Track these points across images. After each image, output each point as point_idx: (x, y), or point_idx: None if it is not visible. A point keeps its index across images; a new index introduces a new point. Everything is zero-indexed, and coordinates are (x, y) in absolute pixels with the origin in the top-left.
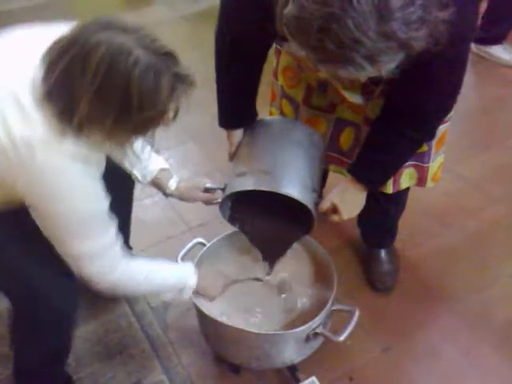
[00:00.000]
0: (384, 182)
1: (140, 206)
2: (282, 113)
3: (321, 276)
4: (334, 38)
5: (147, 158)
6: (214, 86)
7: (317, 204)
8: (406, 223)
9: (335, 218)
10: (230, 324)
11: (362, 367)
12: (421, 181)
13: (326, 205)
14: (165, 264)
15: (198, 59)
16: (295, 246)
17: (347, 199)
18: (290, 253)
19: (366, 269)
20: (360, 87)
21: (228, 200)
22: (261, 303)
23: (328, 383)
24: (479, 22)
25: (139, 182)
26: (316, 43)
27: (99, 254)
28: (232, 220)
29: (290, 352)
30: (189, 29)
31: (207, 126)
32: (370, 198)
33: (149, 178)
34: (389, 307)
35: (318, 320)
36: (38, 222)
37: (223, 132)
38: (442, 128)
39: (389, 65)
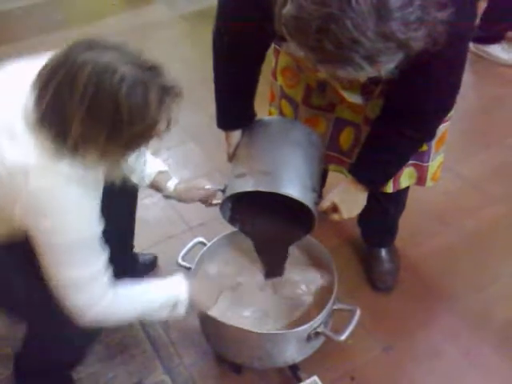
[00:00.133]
0: (385, 182)
1: (140, 205)
2: (281, 113)
3: (321, 275)
4: (332, 38)
5: (144, 163)
6: (213, 85)
7: (317, 203)
8: (406, 222)
9: (335, 216)
10: (231, 324)
11: (363, 366)
12: (420, 180)
13: (326, 204)
14: (152, 284)
15: (197, 58)
16: (295, 245)
17: (348, 199)
18: (290, 252)
19: (366, 268)
20: (359, 87)
21: (228, 201)
22: (260, 303)
23: (329, 382)
24: (478, 21)
25: (139, 185)
26: (315, 43)
27: (87, 282)
28: (232, 221)
29: (292, 351)
30: (188, 28)
31: (207, 126)
32: (370, 198)
33: (147, 182)
34: (389, 306)
35: (319, 319)
36: (36, 250)
37: (223, 132)
38: (442, 127)
39: (388, 65)
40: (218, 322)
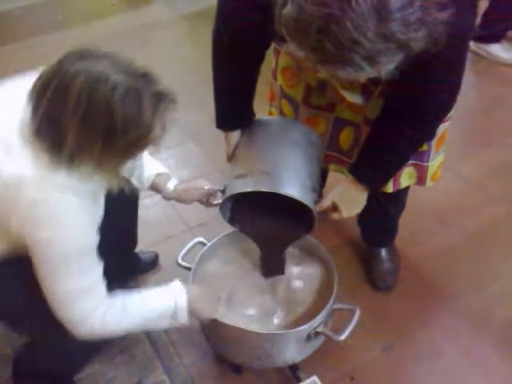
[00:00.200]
0: (385, 182)
1: (141, 205)
2: (281, 113)
3: (321, 275)
4: (332, 38)
5: (141, 166)
6: (212, 82)
7: (317, 203)
8: (407, 222)
9: (335, 216)
10: (231, 324)
11: (363, 366)
12: (420, 180)
13: (326, 203)
14: (148, 293)
15: (197, 58)
16: (295, 245)
17: (348, 199)
18: (290, 252)
19: (366, 268)
20: (360, 87)
21: (228, 201)
22: (260, 303)
23: (329, 382)
24: (479, 19)
25: (139, 188)
26: (315, 44)
27: (82, 295)
28: (232, 221)
29: (292, 351)
30: (188, 28)
31: (207, 126)
32: (370, 198)
33: (147, 184)
34: (389, 306)
35: (318, 319)
36: (33, 262)
37: (222, 132)
38: (442, 127)
39: (388, 66)
40: (218, 322)
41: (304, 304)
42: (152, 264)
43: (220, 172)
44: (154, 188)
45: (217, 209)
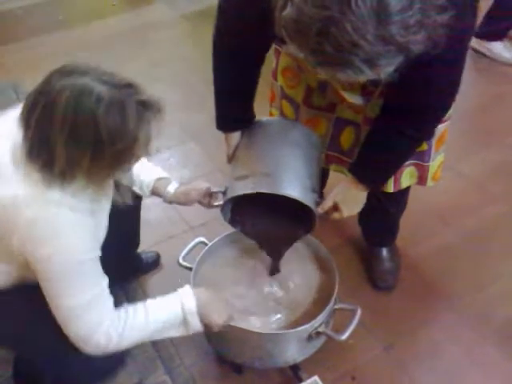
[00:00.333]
0: (385, 181)
1: (142, 206)
2: (282, 113)
3: (322, 275)
4: (332, 41)
5: (138, 174)
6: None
7: (317, 203)
8: (407, 222)
9: (336, 215)
10: (232, 324)
11: (364, 366)
12: (421, 179)
13: (328, 204)
14: (154, 303)
15: (198, 58)
16: (296, 245)
17: (348, 198)
18: (291, 252)
19: (367, 267)
20: (360, 88)
21: (229, 203)
22: (261, 303)
23: (330, 382)
24: (482, 17)
25: (142, 195)
26: (315, 46)
27: (86, 310)
28: (233, 222)
29: (293, 351)
30: (189, 28)
31: (208, 126)
32: (371, 197)
33: (147, 191)
34: (390, 305)
35: (320, 319)
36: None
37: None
38: (441, 127)
39: (387, 68)
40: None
41: (305, 304)
42: (154, 264)
43: (221, 172)
44: (155, 193)
45: (218, 209)
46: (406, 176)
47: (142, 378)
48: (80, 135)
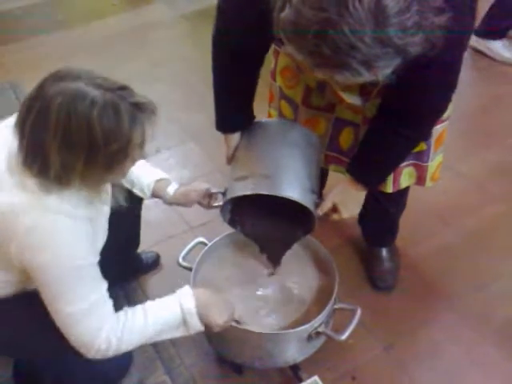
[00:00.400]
0: (382, 180)
1: (142, 206)
2: (280, 114)
3: (322, 275)
4: (330, 43)
5: (139, 176)
6: (212, 87)
7: (317, 204)
8: (407, 222)
9: (335, 216)
10: (232, 324)
11: (364, 366)
12: (420, 179)
13: (327, 206)
14: (153, 305)
15: (198, 58)
16: (296, 245)
17: (347, 199)
18: (290, 252)
19: (366, 267)
20: (358, 89)
21: (228, 203)
22: (261, 303)
23: (330, 382)
24: (483, 15)
25: (143, 197)
26: (312, 48)
27: (86, 315)
28: (233, 223)
29: (293, 351)
30: (189, 28)
31: (208, 126)
32: (370, 198)
33: (148, 193)
34: (390, 305)
35: (319, 319)
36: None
37: None
38: (439, 127)
39: (385, 70)
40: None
41: (305, 304)
42: (153, 264)
43: (220, 172)
44: (155, 195)
45: (217, 209)
46: (405, 176)
47: (142, 378)
48: (74, 140)
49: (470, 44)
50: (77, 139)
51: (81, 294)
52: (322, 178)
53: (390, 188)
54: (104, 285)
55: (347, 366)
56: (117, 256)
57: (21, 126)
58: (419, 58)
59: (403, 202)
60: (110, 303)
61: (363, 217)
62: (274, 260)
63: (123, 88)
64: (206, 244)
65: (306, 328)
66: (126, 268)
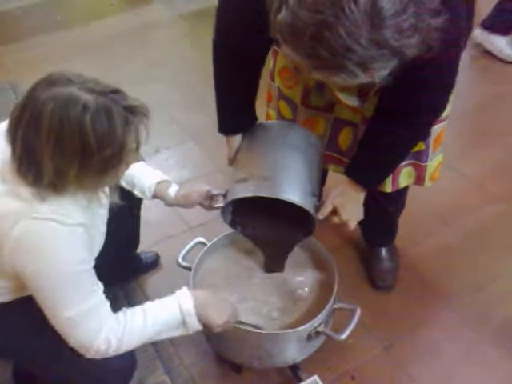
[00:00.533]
0: (381, 181)
1: (141, 206)
2: (279, 114)
3: (322, 274)
4: (326, 45)
5: (139, 178)
6: (213, 84)
7: (317, 207)
8: (406, 221)
9: (335, 219)
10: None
11: (364, 365)
12: (419, 179)
13: (327, 210)
14: (152, 306)
15: (197, 58)
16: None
17: (347, 201)
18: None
19: (366, 267)
20: (356, 89)
21: (229, 205)
22: (261, 302)
23: (330, 382)
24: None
25: (143, 199)
26: (309, 50)
27: (83, 319)
28: (233, 224)
29: (292, 351)
30: (187, 28)
31: (207, 125)
32: (370, 198)
33: (149, 194)
34: (389, 305)
35: (319, 319)
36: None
37: None
38: (437, 127)
39: (381, 72)
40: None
41: (304, 303)
42: (153, 264)
43: (220, 172)
44: (156, 196)
45: (218, 210)
46: (404, 176)
47: (141, 378)
48: (67, 145)
49: (473, 37)
50: (70, 145)
51: (77, 299)
52: (322, 177)
53: (388, 188)
54: (100, 287)
55: (347, 366)
56: (116, 256)
57: (13, 133)
58: (416, 59)
59: (402, 201)
60: (107, 304)
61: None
62: (277, 265)
63: (115, 91)
64: (205, 244)
65: (306, 328)
66: (125, 268)
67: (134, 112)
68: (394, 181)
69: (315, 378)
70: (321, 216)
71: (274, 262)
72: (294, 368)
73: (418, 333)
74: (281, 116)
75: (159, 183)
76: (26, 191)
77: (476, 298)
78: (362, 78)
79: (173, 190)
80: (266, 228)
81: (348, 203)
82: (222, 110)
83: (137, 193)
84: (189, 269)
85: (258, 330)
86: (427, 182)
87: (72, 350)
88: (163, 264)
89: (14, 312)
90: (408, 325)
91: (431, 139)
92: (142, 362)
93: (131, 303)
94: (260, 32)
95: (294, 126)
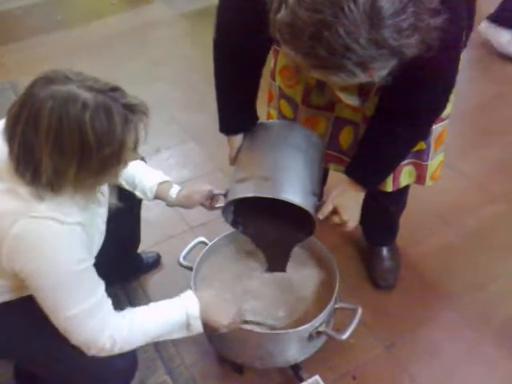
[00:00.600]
0: (381, 181)
1: (142, 205)
2: (280, 113)
3: (323, 274)
4: (325, 44)
5: (141, 179)
6: (214, 83)
7: (318, 207)
8: (407, 221)
9: (336, 219)
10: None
11: (365, 365)
12: (420, 178)
13: (327, 210)
14: (158, 307)
15: (198, 56)
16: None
17: (347, 201)
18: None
19: (367, 266)
20: (356, 89)
21: (230, 205)
22: (262, 303)
23: (331, 382)
24: None
25: (145, 199)
26: (308, 50)
27: (85, 317)
28: (235, 224)
29: (294, 351)
30: (188, 26)
31: (208, 125)
32: (371, 197)
33: (150, 195)
34: (390, 305)
35: (320, 318)
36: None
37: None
38: (439, 126)
39: (381, 71)
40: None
41: (305, 303)
42: (154, 264)
43: (221, 171)
44: (158, 197)
45: (219, 210)
46: (405, 175)
47: (142, 378)
48: (66, 144)
49: (477, 32)
50: (69, 143)
51: (78, 298)
52: (323, 176)
53: (389, 187)
54: (102, 285)
55: (348, 366)
56: (117, 255)
57: (10, 131)
58: (416, 58)
59: (403, 200)
60: (109, 303)
61: (364, 216)
62: (279, 265)
63: (115, 89)
64: (206, 244)
65: (307, 327)
66: (126, 268)
67: (133, 110)
68: (395, 180)
69: (316, 377)
70: (321, 216)
71: (275, 262)
72: (296, 368)
73: (419, 332)
74: (282, 115)
75: (161, 184)
76: (24, 190)
77: (477, 297)
78: (362, 78)
79: (174, 191)
80: (267, 228)
81: (348, 203)
82: (222, 109)
83: (138, 194)
84: (190, 268)
85: (264, 330)
86: (428, 182)
87: (73, 349)
88: (164, 264)
89: (14, 312)
90: (409, 324)
91: (432, 138)
92: (143, 362)
93: (132, 303)
94: (260, 31)
95: (294, 126)
